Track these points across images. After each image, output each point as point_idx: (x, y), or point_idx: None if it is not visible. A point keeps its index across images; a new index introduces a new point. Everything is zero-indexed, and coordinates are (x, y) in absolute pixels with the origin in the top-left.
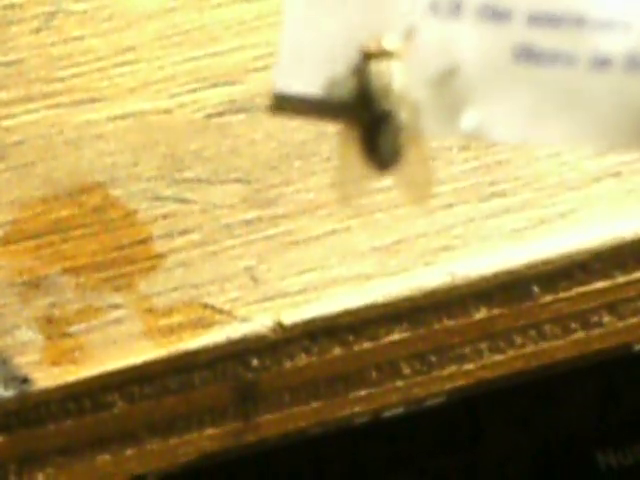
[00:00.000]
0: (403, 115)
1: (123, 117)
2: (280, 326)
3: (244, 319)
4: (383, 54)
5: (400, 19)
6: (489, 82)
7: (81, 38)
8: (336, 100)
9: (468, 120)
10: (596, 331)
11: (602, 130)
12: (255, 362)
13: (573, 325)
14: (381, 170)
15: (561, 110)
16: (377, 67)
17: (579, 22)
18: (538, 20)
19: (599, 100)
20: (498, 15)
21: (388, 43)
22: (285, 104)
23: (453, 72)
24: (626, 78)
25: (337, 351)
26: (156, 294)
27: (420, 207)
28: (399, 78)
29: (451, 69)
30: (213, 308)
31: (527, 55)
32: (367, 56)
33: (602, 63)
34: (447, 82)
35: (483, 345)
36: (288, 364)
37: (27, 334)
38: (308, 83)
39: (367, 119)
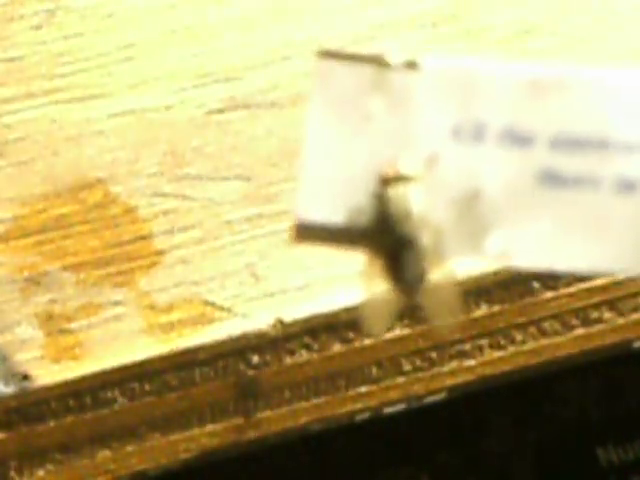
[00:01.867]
0: (425, 239)
1: (123, 114)
2: (280, 323)
3: (245, 316)
4: (400, 179)
5: (422, 144)
6: (513, 206)
7: (81, 35)
8: (358, 227)
9: (492, 244)
10: (596, 328)
11: (630, 256)
12: (256, 359)
13: (574, 321)
14: (406, 295)
15: (587, 235)
16: (395, 192)
17: (602, 145)
18: (561, 144)
19: (625, 225)
20: (520, 140)
21: (404, 167)
22: (307, 233)
23: (476, 196)
24: None
25: (337, 348)
26: (157, 291)
27: (451, 329)
28: (418, 202)
29: (474, 193)
30: (214, 305)
31: (551, 179)
32: (384, 181)
33: (627, 187)
34: (470, 206)
35: (484, 342)
36: (289, 361)
37: (28, 330)
38: (330, 211)
39: (389, 245)
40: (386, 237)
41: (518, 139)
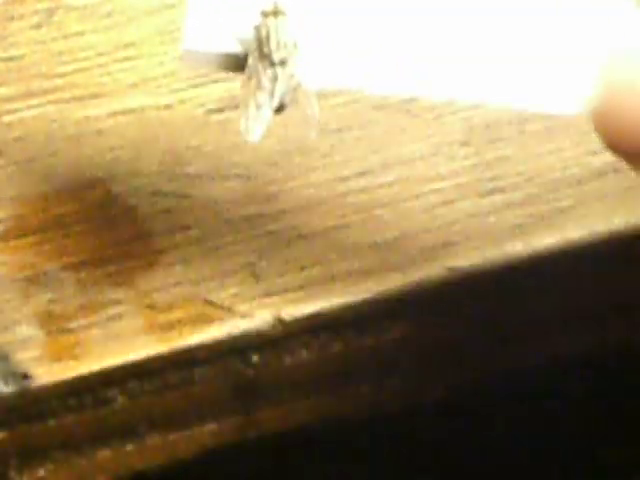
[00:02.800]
0: (293, 62)
1: (124, 113)
2: (280, 322)
3: (244, 315)
4: (277, 13)
5: None
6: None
7: (81, 34)
8: (239, 54)
9: (343, 71)
10: (597, 327)
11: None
12: (255, 358)
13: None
14: (276, 111)
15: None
16: (273, 23)
17: None
18: None
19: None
20: None
21: (280, 3)
22: (193, 60)
23: (338, 29)
24: None
25: (338, 347)
26: (156, 290)
27: (305, 141)
28: (290, 32)
29: (338, 26)
30: (213, 304)
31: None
32: (264, 14)
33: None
34: (328, 36)
35: (483, 341)
36: (288, 360)
37: (28, 330)
38: (214, 40)
39: (265, 67)
40: (263, 61)
41: None
